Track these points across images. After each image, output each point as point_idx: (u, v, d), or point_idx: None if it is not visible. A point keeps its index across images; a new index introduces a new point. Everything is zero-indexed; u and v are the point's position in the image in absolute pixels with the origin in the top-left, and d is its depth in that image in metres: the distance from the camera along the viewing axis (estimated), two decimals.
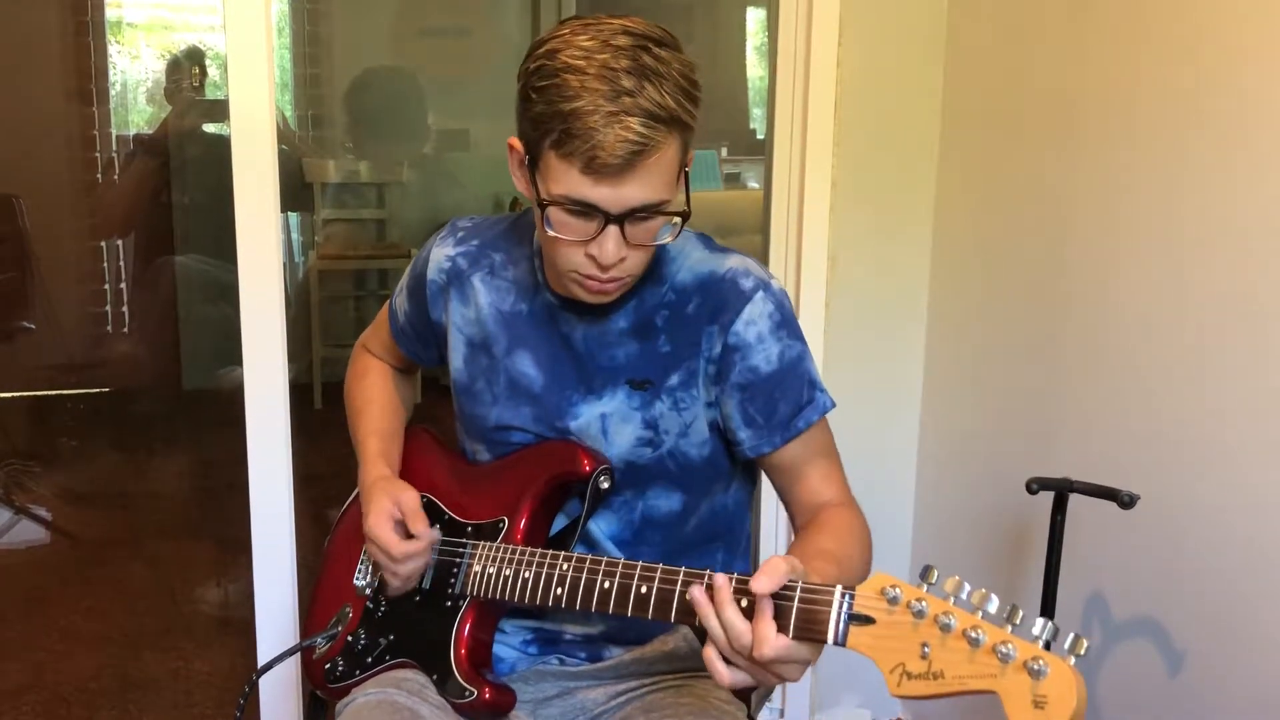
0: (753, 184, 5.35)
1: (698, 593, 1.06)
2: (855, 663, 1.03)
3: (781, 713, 2.45)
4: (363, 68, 4.99)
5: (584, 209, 1.15)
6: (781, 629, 1.01)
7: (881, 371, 2.40)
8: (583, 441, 1.33)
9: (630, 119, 1.10)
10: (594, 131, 1.10)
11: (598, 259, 1.18)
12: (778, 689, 2.38)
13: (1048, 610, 1.81)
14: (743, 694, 1.42)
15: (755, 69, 5.64)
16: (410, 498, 1.36)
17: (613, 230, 1.16)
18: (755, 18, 5.66)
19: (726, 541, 1.43)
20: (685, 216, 1.20)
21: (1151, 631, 1.75)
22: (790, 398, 1.30)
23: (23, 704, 2.56)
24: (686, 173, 1.20)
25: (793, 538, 1.36)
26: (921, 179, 2.32)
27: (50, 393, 4.64)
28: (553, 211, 1.17)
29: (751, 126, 5.69)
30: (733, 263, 1.31)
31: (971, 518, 2.25)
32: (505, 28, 5.29)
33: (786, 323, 1.30)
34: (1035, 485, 1.77)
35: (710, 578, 1.07)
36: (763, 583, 1.01)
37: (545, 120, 1.13)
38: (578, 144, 1.11)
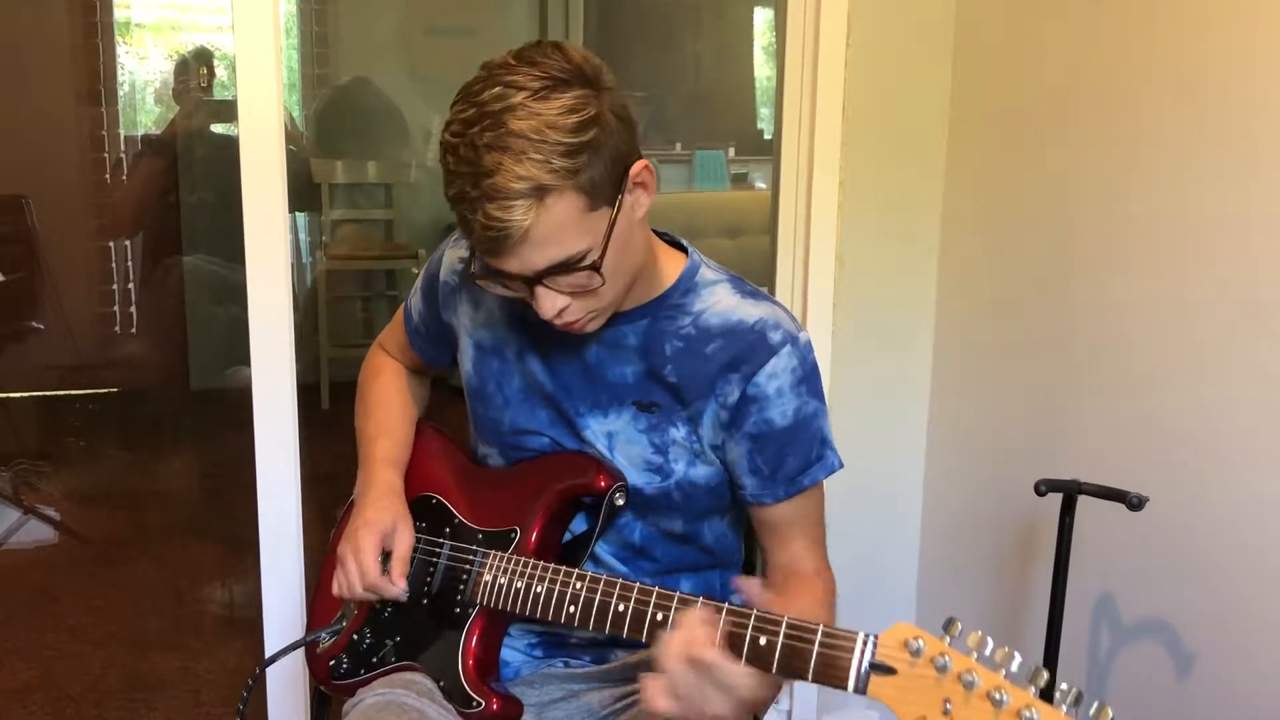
0: (760, 184, 5.35)
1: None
2: None
3: (789, 715, 2.45)
4: (365, 72, 4.98)
5: (505, 274, 1.16)
6: (799, 671, 1.03)
7: (889, 372, 2.39)
8: (600, 455, 1.32)
9: (489, 205, 1.09)
10: (466, 219, 1.11)
11: (541, 315, 1.19)
12: (784, 693, 2.38)
13: (1055, 612, 1.80)
14: None
15: (763, 69, 5.64)
16: (407, 543, 1.37)
17: (539, 289, 1.17)
18: (763, 17, 5.66)
19: (723, 564, 1.43)
20: (596, 268, 1.15)
21: (1160, 634, 1.74)
22: (800, 454, 1.29)
23: (31, 703, 2.57)
24: (621, 200, 1.16)
25: None
26: (929, 179, 2.32)
27: (59, 393, 4.66)
28: (483, 280, 1.20)
29: (759, 126, 5.69)
30: (763, 312, 1.29)
31: (979, 519, 2.24)
32: (512, 28, 5.29)
33: (808, 379, 1.29)
34: (1043, 487, 1.76)
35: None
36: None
37: (446, 197, 1.14)
38: (464, 228, 1.13)
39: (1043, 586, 1.85)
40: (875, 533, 2.42)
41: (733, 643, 1.05)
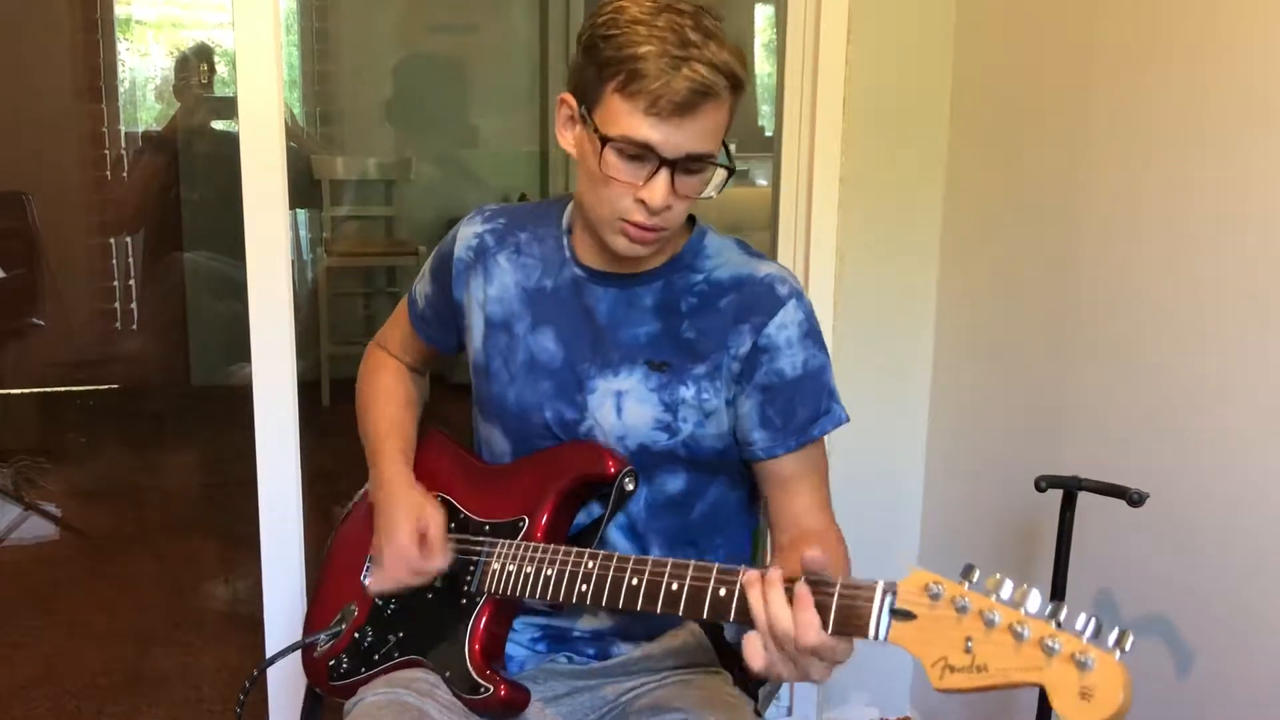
0: (761, 181, 5.34)
1: (753, 575, 1.07)
2: (864, 661, 1.03)
3: (789, 710, 2.45)
4: (382, 62, 5.00)
5: (640, 151, 1.20)
6: (820, 624, 1.02)
7: (890, 369, 2.39)
8: (603, 427, 1.33)
9: (698, 64, 1.17)
10: (664, 72, 1.16)
11: (647, 203, 1.22)
12: (784, 688, 2.38)
13: None
14: (749, 689, 1.42)
15: (763, 66, 5.63)
16: (439, 521, 1.37)
17: (664, 175, 1.21)
18: (764, 14, 5.65)
19: (728, 535, 1.43)
20: (732, 171, 1.27)
21: (1161, 630, 1.74)
22: (809, 404, 1.32)
23: (32, 699, 2.57)
24: (725, 143, 1.26)
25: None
26: (930, 176, 2.32)
27: (59, 389, 4.66)
28: (608, 153, 1.21)
29: (760, 124, 5.68)
30: (770, 269, 1.35)
31: (980, 515, 2.25)
32: (513, 24, 5.28)
33: (814, 332, 1.33)
34: (1044, 483, 1.76)
35: (747, 572, 1.08)
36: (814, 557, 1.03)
37: (613, 64, 1.19)
38: (646, 83, 1.17)
39: (1043, 583, 1.85)
40: (875, 529, 2.42)
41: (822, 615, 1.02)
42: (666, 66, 1.16)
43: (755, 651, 1.05)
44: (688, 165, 1.22)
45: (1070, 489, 1.77)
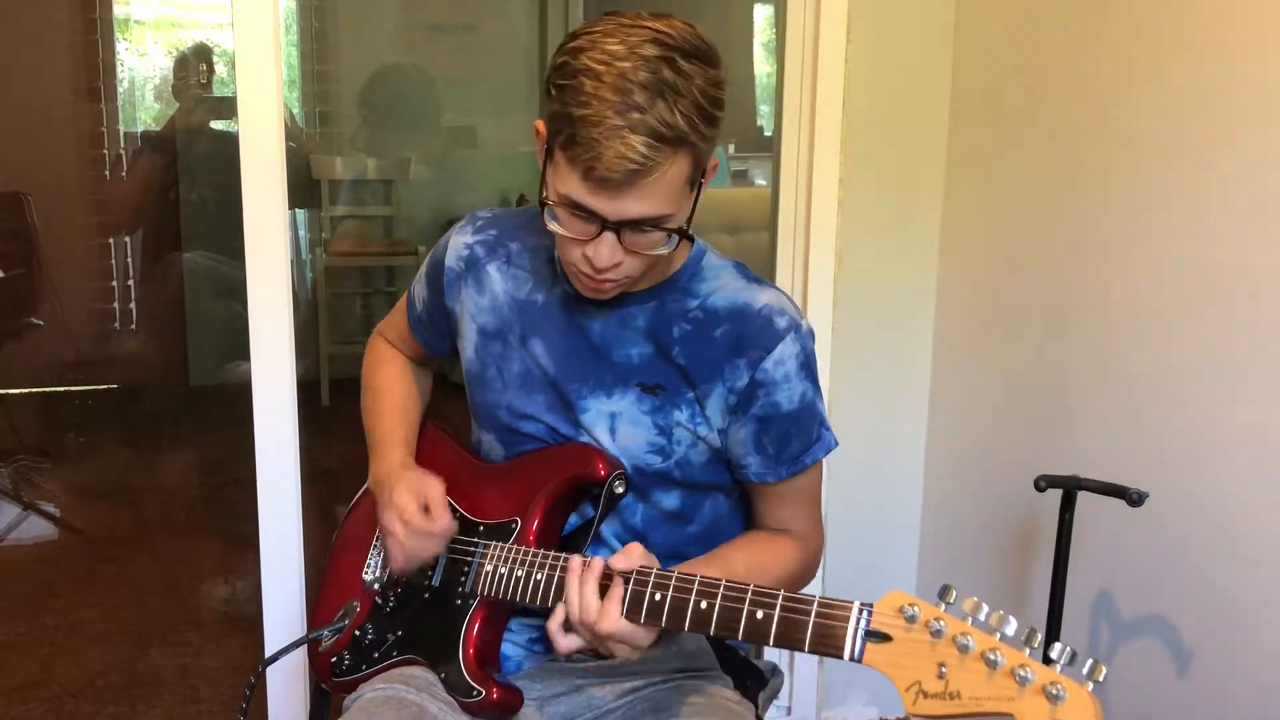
0: (760, 181, 5.35)
1: (576, 561, 1.20)
2: None
3: (789, 711, 2.45)
4: (379, 63, 4.99)
5: (583, 212, 1.17)
6: (796, 642, 1.05)
7: (889, 369, 2.39)
8: (598, 444, 1.33)
9: (633, 136, 1.10)
10: (596, 143, 1.11)
11: (591, 260, 1.20)
12: (784, 689, 2.38)
13: (1055, 608, 1.81)
14: (750, 693, 1.42)
15: (763, 65, 5.64)
16: (438, 486, 1.37)
17: (608, 236, 1.18)
18: (763, 14, 5.65)
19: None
20: (683, 234, 1.22)
21: (1160, 630, 1.74)
22: (803, 436, 1.33)
23: (31, 699, 2.57)
24: (701, 184, 1.21)
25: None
26: (929, 176, 2.32)
27: (58, 389, 4.66)
28: (555, 209, 1.19)
29: (759, 123, 5.68)
30: (768, 298, 1.32)
31: (979, 515, 2.25)
32: (512, 25, 5.28)
33: (809, 364, 1.32)
34: (1043, 483, 1.76)
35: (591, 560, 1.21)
36: (619, 561, 1.18)
37: (558, 120, 1.14)
38: (580, 151, 1.12)
39: (1043, 583, 1.85)
40: (874, 529, 2.42)
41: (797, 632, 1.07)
42: (601, 136, 1.10)
43: (555, 628, 1.20)
44: (636, 225, 1.17)
45: (1070, 489, 1.77)
